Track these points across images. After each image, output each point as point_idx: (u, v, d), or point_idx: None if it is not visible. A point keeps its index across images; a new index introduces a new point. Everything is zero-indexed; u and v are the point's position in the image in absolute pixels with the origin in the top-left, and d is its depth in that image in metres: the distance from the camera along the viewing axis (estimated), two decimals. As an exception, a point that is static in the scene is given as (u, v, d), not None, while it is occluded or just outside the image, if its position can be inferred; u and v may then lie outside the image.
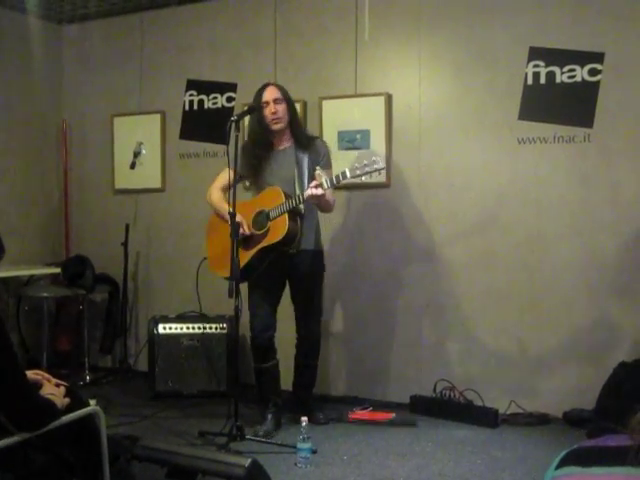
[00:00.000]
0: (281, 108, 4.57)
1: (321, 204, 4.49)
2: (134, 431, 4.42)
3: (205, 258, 4.73)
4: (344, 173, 4.22)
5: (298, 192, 4.42)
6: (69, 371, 5.91)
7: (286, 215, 4.37)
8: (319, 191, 4.23)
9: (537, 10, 4.88)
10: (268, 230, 4.45)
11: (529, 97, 4.91)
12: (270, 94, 4.59)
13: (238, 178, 4.42)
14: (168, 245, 6.24)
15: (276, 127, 4.58)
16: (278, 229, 4.39)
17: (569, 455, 1.81)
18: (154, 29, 6.25)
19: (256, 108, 4.55)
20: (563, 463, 1.79)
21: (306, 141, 4.66)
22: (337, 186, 4.46)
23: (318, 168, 4.36)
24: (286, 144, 4.68)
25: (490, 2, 5.02)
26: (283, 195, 4.42)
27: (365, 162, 4.17)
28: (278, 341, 4.76)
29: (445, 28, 5.15)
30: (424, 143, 5.22)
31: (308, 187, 4.31)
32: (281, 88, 4.66)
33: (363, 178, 4.23)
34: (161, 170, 6.26)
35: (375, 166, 4.16)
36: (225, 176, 4.71)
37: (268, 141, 4.65)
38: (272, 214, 4.42)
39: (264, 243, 4.45)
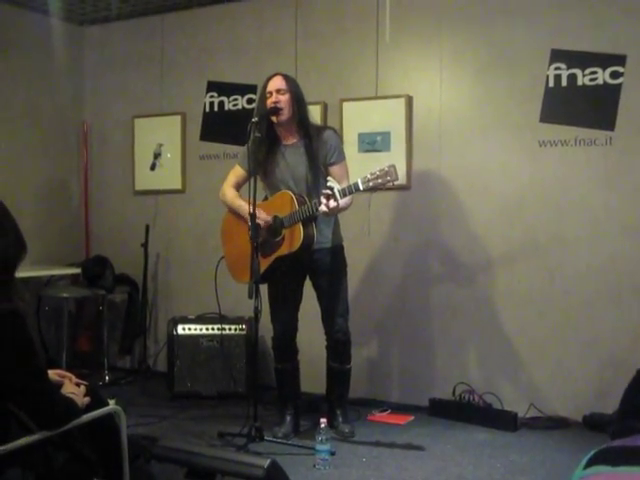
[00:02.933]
0: (283, 99, 4.38)
1: (336, 214, 4.39)
2: (153, 432, 4.43)
3: (222, 257, 4.70)
4: (356, 185, 4.05)
5: (314, 199, 4.22)
6: (88, 371, 5.93)
7: (300, 224, 4.27)
8: (332, 203, 4.05)
9: (559, 12, 4.85)
10: (284, 238, 4.36)
11: (550, 100, 4.89)
12: (273, 84, 4.41)
13: (249, 175, 4.33)
14: (188, 246, 6.26)
15: (276, 118, 4.43)
16: (294, 239, 4.29)
17: (597, 455, 1.80)
18: (175, 31, 6.28)
19: (274, 110, 4.39)
20: (592, 462, 1.77)
21: (315, 134, 4.46)
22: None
23: (330, 179, 4.17)
24: (294, 139, 4.52)
25: (511, 4, 5.00)
26: (296, 202, 4.30)
27: (378, 173, 3.99)
28: (301, 342, 4.76)
29: (466, 30, 5.14)
30: (445, 145, 5.21)
31: (320, 203, 4.10)
32: (288, 79, 4.47)
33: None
34: (181, 171, 6.27)
35: (388, 177, 3.98)
36: (236, 173, 4.70)
37: (273, 134, 4.51)
38: (286, 222, 4.33)
39: (280, 252, 4.38)
